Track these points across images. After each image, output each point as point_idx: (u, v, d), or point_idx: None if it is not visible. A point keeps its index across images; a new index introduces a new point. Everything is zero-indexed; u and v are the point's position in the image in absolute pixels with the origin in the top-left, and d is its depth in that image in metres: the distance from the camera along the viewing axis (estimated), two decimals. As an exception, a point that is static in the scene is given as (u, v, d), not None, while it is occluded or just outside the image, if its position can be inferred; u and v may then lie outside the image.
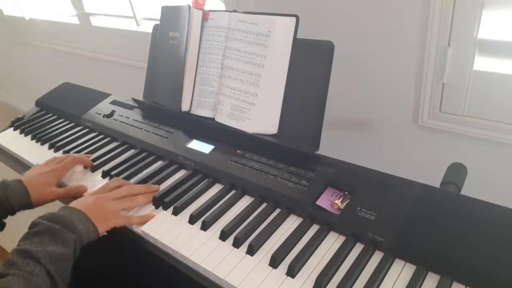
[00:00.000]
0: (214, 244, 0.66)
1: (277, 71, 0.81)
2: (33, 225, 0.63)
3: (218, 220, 0.71)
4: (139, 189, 0.78)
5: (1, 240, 0.80)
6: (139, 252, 0.72)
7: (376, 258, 0.59)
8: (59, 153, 1.01)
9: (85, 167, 0.92)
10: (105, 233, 0.74)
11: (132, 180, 0.85)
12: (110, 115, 1.08)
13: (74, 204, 0.70)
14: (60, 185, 0.87)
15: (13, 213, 0.80)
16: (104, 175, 0.88)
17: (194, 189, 0.79)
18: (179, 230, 0.70)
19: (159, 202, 0.77)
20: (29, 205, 0.80)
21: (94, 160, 0.94)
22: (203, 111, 0.93)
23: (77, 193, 0.83)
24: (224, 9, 1.28)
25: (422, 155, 1.10)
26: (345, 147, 1.14)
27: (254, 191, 0.75)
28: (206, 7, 0.92)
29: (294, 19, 0.79)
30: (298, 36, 0.80)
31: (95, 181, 0.88)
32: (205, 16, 0.91)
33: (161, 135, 0.95)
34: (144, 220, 0.73)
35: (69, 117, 1.15)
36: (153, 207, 0.77)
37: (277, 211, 0.72)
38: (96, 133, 1.06)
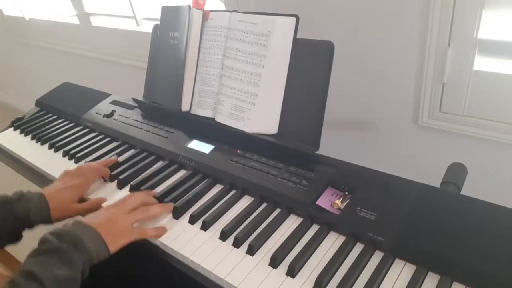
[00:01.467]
0: (214, 244, 0.66)
1: (277, 71, 0.81)
2: (42, 241, 0.61)
3: (218, 220, 0.71)
4: (149, 196, 0.76)
5: (10, 247, 0.79)
6: (139, 252, 0.72)
7: (376, 258, 0.59)
8: (59, 153, 1.00)
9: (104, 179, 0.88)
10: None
11: (132, 180, 0.85)
12: (110, 115, 1.08)
13: (86, 219, 0.67)
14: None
15: (31, 227, 0.76)
16: (104, 175, 0.88)
17: (194, 189, 0.79)
18: (179, 230, 0.70)
19: (159, 202, 0.77)
20: (48, 221, 0.76)
21: (94, 160, 0.93)
22: (203, 111, 0.93)
23: (98, 207, 0.79)
24: (224, 9, 1.28)
25: (422, 155, 1.10)
26: (345, 147, 1.14)
27: (254, 191, 0.75)
28: (206, 7, 0.92)
29: (294, 19, 0.79)
30: (298, 36, 0.80)
31: (104, 187, 0.86)
32: (205, 16, 0.91)
33: (161, 135, 0.95)
34: (160, 232, 0.70)
35: (69, 117, 1.15)
36: (170, 217, 0.74)
37: (277, 211, 0.72)
38: (96, 133, 1.06)
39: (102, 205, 0.80)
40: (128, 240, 0.67)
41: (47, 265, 0.57)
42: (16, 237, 0.76)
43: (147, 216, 0.72)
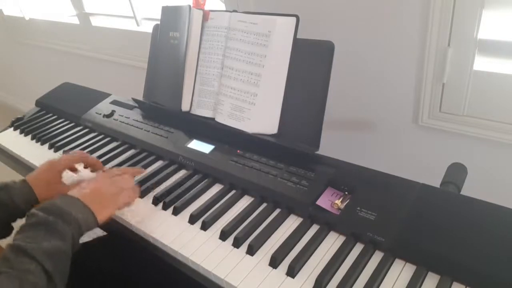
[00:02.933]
0: (214, 244, 0.66)
1: (277, 71, 0.81)
2: (29, 216, 0.61)
3: (218, 220, 0.71)
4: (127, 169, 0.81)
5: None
6: (139, 252, 0.72)
7: (376, 258, 0.59)
8: (59, 153, 1.01)
9: (92, 170, 0.90)
10: (105, 232, 0.73)
11: (132, 180, 0.85)
12: (110, 115, 1.08)
13: (72, 192, 0.68)
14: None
15: (22, 214, 0.76)
16: (104, 175, 0.88)
17: (194, 189, 0.79)
18: (179, 230, 0.70)
19: (159, 202, 0.77)
20: (36, 202, 0.77)
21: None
22: (203, 111, 0.93)
23: None
24: (224, 9, 1.28)
25: (422, 155, 1.10)
26: (345, 147, 1.14)
27: (254, 191, 0.75)
28: (206, 7, 0.92)
29: (294, 19, 0.79)
30: (298, 36, 0.80)
31: None
32: (205, 16, 0.91)
33: (161, 135, 0.95)
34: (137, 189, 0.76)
35: (69, 117, 1.15)
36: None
37: (277, 211, 0.72)
38: (96, 133, 1.06)
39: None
40: (115, 208, 0.70)
41: (36, 238, 0.57)
42: (6, 229, 0.76)
43: (128, 173, 0.78)
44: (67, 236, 0.60)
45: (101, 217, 0.66)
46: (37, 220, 0.59)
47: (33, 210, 0.61)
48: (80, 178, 0.88)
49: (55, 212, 0.61)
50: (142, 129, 0.99)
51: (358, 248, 0.62)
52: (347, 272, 0.57)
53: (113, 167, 0.89)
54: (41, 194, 0.77)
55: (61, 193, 0.77)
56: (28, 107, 1.33)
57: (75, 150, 0.93)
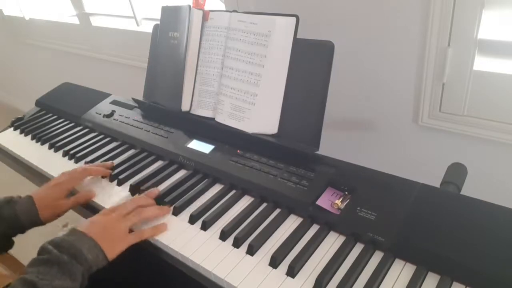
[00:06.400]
0: (214, 244, 0.66)
1: (277, 71, 0.81)
2: (42, 251, 0.61)
3: (218, 220, 0.71)
4: (146, 200, 0.75)
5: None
6: (139, 252, 0.72)
7: (376, 258, 0.59)
8: (59, 153, 1.01)
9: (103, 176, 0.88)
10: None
11: (132, 180, 0.85)
12: (110, 115, 1.08)
13: (82, 227, 0.67)
14: (72, 192, 0.84)
15: (23, 231, 0.77)
16: (104, 175, 0.88)
17: (194, 189, 0.79)
18: (179, 230, 0.70)
19: (159, 202, 0.77)
20: (38, 222, 0.78)
21: (94, 160, 0.94)
22: (203, 111, 0.93)
23: (86, 201, 0.82)
24: (224, 9, 1.28)
25: (422, 155, 1.10)
26: (345, 147, 1.14)
27: (254, 191, 0.75)
28: (206, 7, 0.92)
29: (294, 19, 0.79)
30: (298, 36, 0.80)
31: (104, 187, 0.86)
32: (205, 16, 0.91)
33: (161, 135, 0.95)
34: (156, 231, 0.70)
35: (69, 117, 1.15)
36: (170, 216, 0.74)
37: (277, 211, 0.72)
38: (96, 133, 1.06)
39: (94, 199, 0.81)
40: (126, 245, 0.68)
41: (48, 276, 0.58)
42: (6, 243, 0.76)
43: (142, 218, 0.72)
44: (78, 276, 0.61)
45: (111, 255, 0.66)
46: (51, 258, 0.60)
47: (46, 246, 0.62)
48: None
49: (68, 250, 0.61)
50: (142, 129, 0.99)
51: (358, 248, 0.62)
52: (347, 272, 0.57)
53: (113, 167, 0.89)
54: (44, 214, 0.77)
55: (63, 209, 0.79)
56: (28, 107, 1.33)
57: (81, 167, 0.89)
